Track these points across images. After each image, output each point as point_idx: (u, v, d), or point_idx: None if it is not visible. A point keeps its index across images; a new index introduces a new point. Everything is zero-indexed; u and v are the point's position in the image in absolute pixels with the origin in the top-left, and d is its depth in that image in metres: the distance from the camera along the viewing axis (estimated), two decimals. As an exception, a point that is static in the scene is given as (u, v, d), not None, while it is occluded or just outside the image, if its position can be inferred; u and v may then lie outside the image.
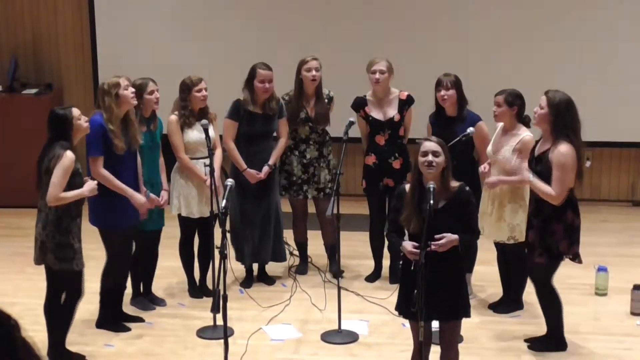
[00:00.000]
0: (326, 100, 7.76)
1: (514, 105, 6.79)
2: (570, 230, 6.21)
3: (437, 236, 5.15)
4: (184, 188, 7.32)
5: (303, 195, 7.87)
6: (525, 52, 9.51)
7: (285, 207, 8.04)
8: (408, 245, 5.20)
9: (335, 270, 7.32)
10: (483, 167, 6.99)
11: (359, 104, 7.68)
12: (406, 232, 5.38)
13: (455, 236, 5.20)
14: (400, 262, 5.45)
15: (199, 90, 7.22)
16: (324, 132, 7.84)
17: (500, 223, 6.86)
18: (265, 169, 7.55)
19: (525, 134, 6.77)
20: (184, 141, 7.25)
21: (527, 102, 6.82)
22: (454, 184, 5.31)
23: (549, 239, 6.20)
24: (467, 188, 5.37)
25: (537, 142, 6.42)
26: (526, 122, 6.84)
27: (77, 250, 6.11)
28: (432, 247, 5.13)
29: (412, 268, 5.14)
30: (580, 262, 6.32)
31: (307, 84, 7.68)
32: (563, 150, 6.07)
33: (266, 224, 7.65)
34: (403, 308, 5.35)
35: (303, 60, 7.68)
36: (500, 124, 6.93)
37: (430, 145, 5.27)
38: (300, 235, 8.11)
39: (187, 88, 7.23)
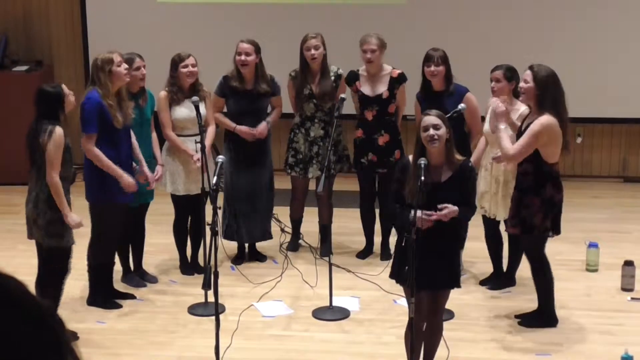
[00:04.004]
0: (332, 78, 7.70)
1: (512, 79, 6.77)
2: (548, 204, 6.19)
3: (439, 206, 5.19)
4: (170, 165, 7.29)
5: (305, 174, 7.80)
6: (517, 29, 9.47)
7: (282, 184, 8.02)
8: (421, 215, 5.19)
9: (325, 253, 7.32)
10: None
11: (352, 78, 7.65)
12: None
13: (456, 208, 5.23)
14: (405, 234, 5.30)
15: (185, 66, 7.17)
16: (332, 111, 7.76)
17: (507, 200, 6.80)
18: (263, 124, 7.47)
19: (523, 108, 6.75)
20: (172, 118, 7.22)
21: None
22: (459, 157, 5.35)
23: (524, 211, 6.21)
24: (470, 164, 5.42)
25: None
26: (517, 96, 6.84)
27: (67, 226, 6.11)
28: (435, 216, 5.16)
29: (402, 244, 5.15)
30: (558, 233, 6.32)
31: (309, 62, 7.63)
32: (542, 120, 6.07)
33: (256, 201, 7.63)
34: (402, 276, 5.35)
35: (304, 37, 7.60)
36: (492, 100, 6.89)
37: (430, 119, 5.29)
38: (296, 212, 8.05)
39: (174, 64, 7.19)
